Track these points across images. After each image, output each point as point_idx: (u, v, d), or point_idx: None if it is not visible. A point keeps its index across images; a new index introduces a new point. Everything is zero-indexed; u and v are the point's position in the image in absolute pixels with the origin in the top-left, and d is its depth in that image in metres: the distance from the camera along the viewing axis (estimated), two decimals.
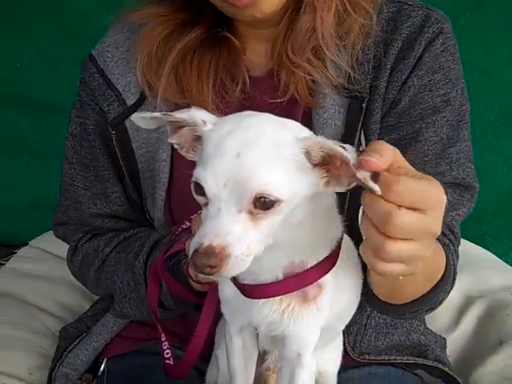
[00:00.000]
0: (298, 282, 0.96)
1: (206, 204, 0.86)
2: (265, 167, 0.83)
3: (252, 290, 0.97)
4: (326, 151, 0.85)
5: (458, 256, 1.31)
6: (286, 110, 1.24)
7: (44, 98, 2.48)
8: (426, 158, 1.26)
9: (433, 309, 1.26)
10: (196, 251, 0.82)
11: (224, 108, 1.26)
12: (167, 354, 1.23)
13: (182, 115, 0.92)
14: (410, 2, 1.29)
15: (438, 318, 1.76)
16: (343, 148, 0.82)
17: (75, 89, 1.54)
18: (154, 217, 1.36)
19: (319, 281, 0.98)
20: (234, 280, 0.98)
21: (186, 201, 1.03)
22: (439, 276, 1.17)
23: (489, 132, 2.33)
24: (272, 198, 0.83)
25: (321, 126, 1.24)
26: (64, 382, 1.43)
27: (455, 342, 1.71)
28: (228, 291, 1.03)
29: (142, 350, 1.41)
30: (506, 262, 2.10)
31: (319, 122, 1.24)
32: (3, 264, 1.93)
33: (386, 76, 1.25)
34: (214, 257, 0.81)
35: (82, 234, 1.42)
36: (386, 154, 0.80)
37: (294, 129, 0.90)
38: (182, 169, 1.06)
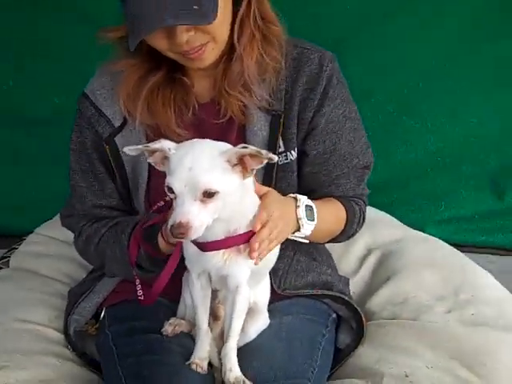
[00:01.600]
0: (232, 241, 1.53)
1: (175, 198, 1.41)
2: (206, 174, 1.40)
3: (204, 246, 1.54)
4: (239, 155, 1.43)
5: (366, 205, 1.95)
6: (225, 127, 1.79)
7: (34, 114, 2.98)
8: (344, 158, 1.86)
9: (351, 237, 1.96)
10: (172, 226, 1.39)
11: (183, 125, 1.77)
12: (139, 292, 1.75)
13: (155, 146, 1.47)
14: (308, 46, 1.82)
15: (345, 265, 2.29)
16: (246, 147, 1.42)
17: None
18: (138, 206, 1.87)
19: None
20: (193, 241, 1.52)
21: (160, 192, 1.60)
22: (341, 227, 1.88)
23: (388, 121, 2.91)
24: (213, 191, 1.40)
25: (252, 135, 1.77)
26: (76, 325, 1.92)
27: (357, 282, 2.22)
28: (190, 249, 1.59)
29: (132, 299, 1.81)
30: (403, 221, 2.61)
31: (251, 132, 1.78)
32: (16, 248, 2.40)
33: (298, 102, 1.78)
34: (182, 228, 1.39)
35: (85, 222, 1.91)
36: None
37: (221, 147, 1.46)
38: (156, 171, 1.63)
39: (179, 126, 1.78)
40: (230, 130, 1.80)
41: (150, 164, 1.77)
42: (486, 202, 3.03)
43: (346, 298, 1.93)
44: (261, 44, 1.75)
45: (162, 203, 1.74)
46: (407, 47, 2.84)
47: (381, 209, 2.66)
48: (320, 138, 1.83)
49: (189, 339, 1.73)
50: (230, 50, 1.74)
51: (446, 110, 2.94)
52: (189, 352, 1.67)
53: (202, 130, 1.77)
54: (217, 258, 1.56)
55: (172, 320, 1.76)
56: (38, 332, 1.96)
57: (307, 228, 1.73)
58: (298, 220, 1.71)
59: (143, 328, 1.76)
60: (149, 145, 1.48)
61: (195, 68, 1.75)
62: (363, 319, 1.94)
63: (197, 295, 1.66)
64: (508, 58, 2.88)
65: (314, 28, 2.58)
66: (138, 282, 1.76)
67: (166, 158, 1.48)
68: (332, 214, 1.87)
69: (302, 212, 1.71)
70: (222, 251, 1.55)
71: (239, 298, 1.61)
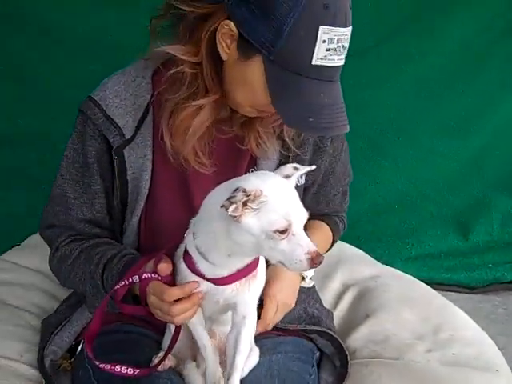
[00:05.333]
0: (247, 271, 1.51)
1: (286, 235, 1.37)
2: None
3: (220, 281, 1.50)
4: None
5: (345, 221, 2.07)
6: (241, 150, 1.77)
7: None
8: (339, 178, 1.96)
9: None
10: (311, 258, 1.37)
11: (204, 150, 1.73)
12: (129, 371, 1.59)
13: (257, 200, 1.36)
14: None
15: (324, 300, 2.20)
16: (297, 169, 1.47)
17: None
18: (131, 222, 1.80)
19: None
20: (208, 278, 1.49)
21: (158, 210, 1.74)
22: (329, 245, 1.99)
23: (360, 159, 2.94)
24: None
25: (264, 159, 1.78)
26: (52, 357, 1.83)
27: (336, 317, 2.15)
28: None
29: (113, 330, 1.80)
30: (373, 256, 2.61)
31: (263, 159, 1.78)
32: None
33: (311, 150, 1.83)
34: (320, 255, 1.38)
35: (64, 237, 1.81)
36: None
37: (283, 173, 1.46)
38: (158, 188, 1.70)
39: (203, 152, 1.74)
40: (245, 153, 1.80)
41: (152, 179, 1.78)
42: (451, 240, 3.10)
43: (333, 334, 1.92)
44: None
45: (134, 279, 1.60)
46: (382, 86, 2.90)
47: (349, 244, 2.65)
48: (324, 163, 1.90)
49: (176, 375, 1.68)
50: None
51: (415, 151, 3.04)
52: None
53: (217, 153, 1.77)
54: (229, 288, 1.53)
55: (160, 353, 1.69)
56: (9, 368, 1.86)
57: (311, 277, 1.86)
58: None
59: (128, 361, 1.66)
60: (250, 202, 1.36)
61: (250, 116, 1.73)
62: (348, 357, 1.92)
63: (198, 323, 1.62)
64: (474, 104, 3.04)
65: None
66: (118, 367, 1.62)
67: (245, 205, 1.37)
68: (322, 242, 1.94)
69: (306, 283, 1.87)
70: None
71: (245, 329, 1.57)
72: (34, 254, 2.14)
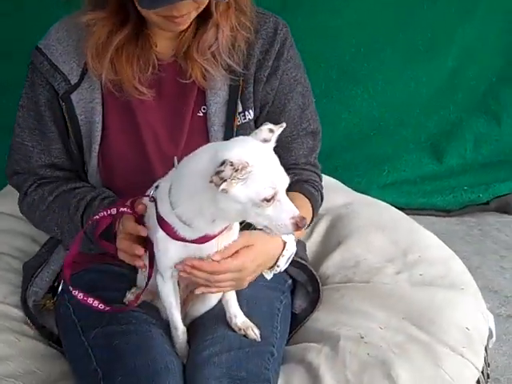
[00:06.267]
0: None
1: (271, 202, 1.41)
2: None
3: (205, 238, 1.54)
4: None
5: (321, 180, 2.01)
6: (186, 86, 1.80)
7: None
8: (294, 121, 1.90)
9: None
10: (296, 222, 1.42)
11: (145, 83, 1.78)
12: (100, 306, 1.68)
13: (245, 175, 1.39)
14: (263, 11, 1.85)
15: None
16: (273, 131, 1.50)
17: None
18: (90, 164, 1.85)
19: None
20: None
21: (113, 151, 1.77)
22: (311, 215, 1.91)
23: (332, 88, 2.98)
24: None
25: (213, 95, 1.80)
26: (35, 298, 1.91)
27: (309, 248, 2.23)
28: (175, 249, 1.57)
29: (89, 269, 1.88)
30: (350, 186, 2.64)
31: (212, 94, 1.80)
32: None
33: (254, 64, 1.82)
34: (304, 218, 1.43)
35: (30, 183, 1.88)
36: None
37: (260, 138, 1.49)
38: (111, 129, 1.74)
39: (142, 83, 1.78)
40: (191, 90, 1.82)
41: (103, 125, 1.82)
42: (426, 165, 3.15)
43: (304, 262, 1.98)
44: (235, 13, 1.76)
45: (113, 211, 1.66)
46: (349, 14, 2.89)
47: (326, 174, 2.69)
48: (270, 99, 1.88)
49: (151, 306, 1.76)
50: (202, 15, 1.73)
51: (386, 76, 3.03)
52: (153, 318, 1.71)
53: (162, 89, 1.81)
54: (214, 243, 1.59)
55: (134, 289, 1.78)
56: None
57: (280, 270, 1.79)
58: (274, 264, 1.76)
59: (104, 298, 1.74)
60: (237, 173, 1.38)
61: (169, 31, 1.75)
62: (319, 283, 1.99)
63: (171, 295, 1.67)
64: (440, 25, 3.02)
65: None
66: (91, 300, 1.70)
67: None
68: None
69: (282, 262, 1.76)
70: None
71: None
72: (12, 200, 2.15)
